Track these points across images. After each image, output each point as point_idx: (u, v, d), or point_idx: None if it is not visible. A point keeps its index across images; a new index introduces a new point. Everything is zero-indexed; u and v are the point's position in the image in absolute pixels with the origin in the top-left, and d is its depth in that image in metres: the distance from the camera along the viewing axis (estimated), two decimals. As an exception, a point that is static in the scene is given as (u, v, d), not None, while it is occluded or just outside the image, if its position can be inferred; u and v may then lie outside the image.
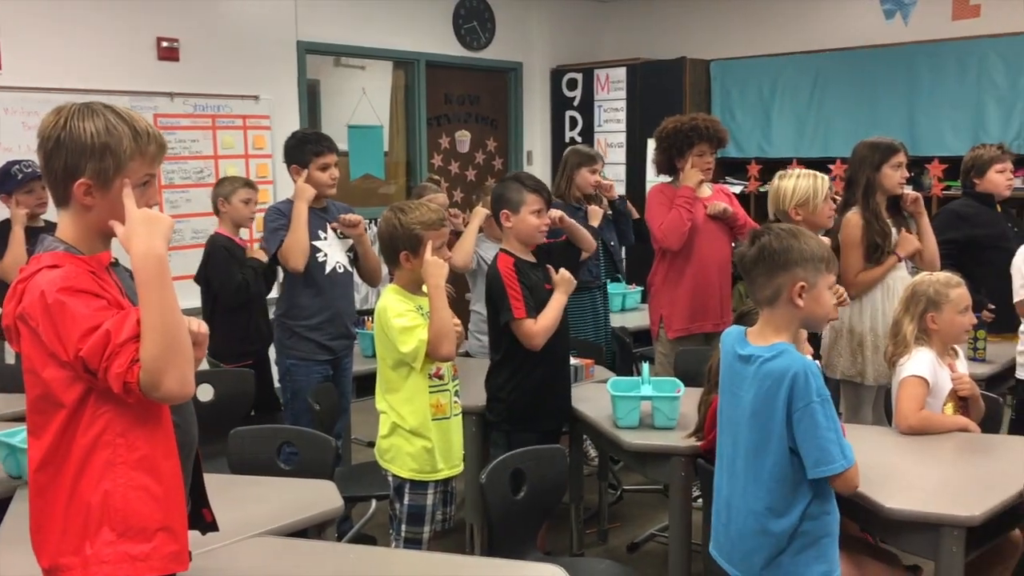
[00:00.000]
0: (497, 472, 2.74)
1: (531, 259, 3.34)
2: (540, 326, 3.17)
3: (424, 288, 3.00)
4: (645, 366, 3.29)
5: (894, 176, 3.90)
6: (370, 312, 4.26)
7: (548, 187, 3.44)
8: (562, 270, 3.27)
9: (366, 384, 3.90)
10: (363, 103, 6.91)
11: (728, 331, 2.39)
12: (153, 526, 1.69)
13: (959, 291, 3.13)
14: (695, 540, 3.13)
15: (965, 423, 3.05)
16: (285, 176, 4.01)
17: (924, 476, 2.71)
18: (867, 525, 2.74)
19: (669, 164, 4.10)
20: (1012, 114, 5.91)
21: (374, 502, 3.53)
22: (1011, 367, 3.92)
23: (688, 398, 3.13)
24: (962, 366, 3.23)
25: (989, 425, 3.18)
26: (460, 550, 3.66)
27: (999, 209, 4.45)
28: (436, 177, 5.71)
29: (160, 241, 1.63)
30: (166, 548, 1.70)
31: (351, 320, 4.00)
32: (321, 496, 2.61)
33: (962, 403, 3.12)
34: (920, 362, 3.06)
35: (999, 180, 4.39)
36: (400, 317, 2.85)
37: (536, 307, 3.22)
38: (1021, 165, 5.81)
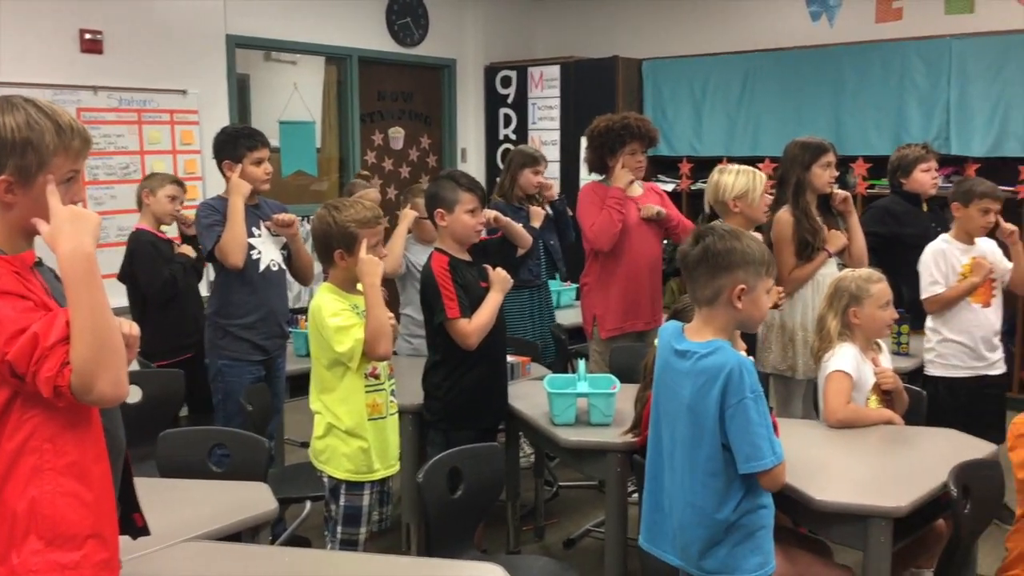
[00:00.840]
0: (434, 471, 2.73)
1: (466, 258, 3.33)
2: (474, 325, 3.16)
3: (359, 287, 2.98)
4: (581, 363, 3.31)
5: (823, 175, 4.00)
6: (303, 311, 4.20)
7: (483, 185, 3.43)
8: (498, 269, 3.27)
9: (299, 384, 3.85)
10: (295, 99, 6.82)
11: (665, 326, 2.42)
12: (83, 533, 1.64)
13: (880, 286, 3.22)
14: (631, 535, 3.15)
15: (889, 416, 3.13)
16: (214, 172, 3.93)
17: (852, 468, 2.78)
18: (798, 517, 2.80)
19: (601, 162, 4.13)
20: (932, 115, 6.08)
21: (308, 503, 3.48)
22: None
23: (624, 394, 3.15)
24: (886, 360, 3.32)
25: (913, 417, 3.27)
26: (396, 550, 3.63)
27: (925, 208, 4.58)
28: (366, 173, 5.65)
29: (88, 239, 1.58)
30: (96, 556, 1.65)
31: (285, 319, 3.94)
32: (254, 498, 2.57)
33: (886, 396, 3.21)
34: (843, 357, 3.14)
35: (924, 179, 4.53)
36: (335, 316, 2.82)
37: (472, 306, 3.21)
38: (943, 164, 6.00)
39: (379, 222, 2.92)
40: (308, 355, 3.02)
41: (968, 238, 3.91)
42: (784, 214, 3.98)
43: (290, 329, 4.08)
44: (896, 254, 4.35)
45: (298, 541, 3.78)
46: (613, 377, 3.31)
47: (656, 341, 2.90)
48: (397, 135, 7.46)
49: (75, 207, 1.63)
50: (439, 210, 3.30)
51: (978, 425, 3.38)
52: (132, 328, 1.70)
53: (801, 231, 3.89)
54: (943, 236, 3.98)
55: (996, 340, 3.93)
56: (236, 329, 3.74)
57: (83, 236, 1.57)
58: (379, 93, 7.30)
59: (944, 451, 2.88)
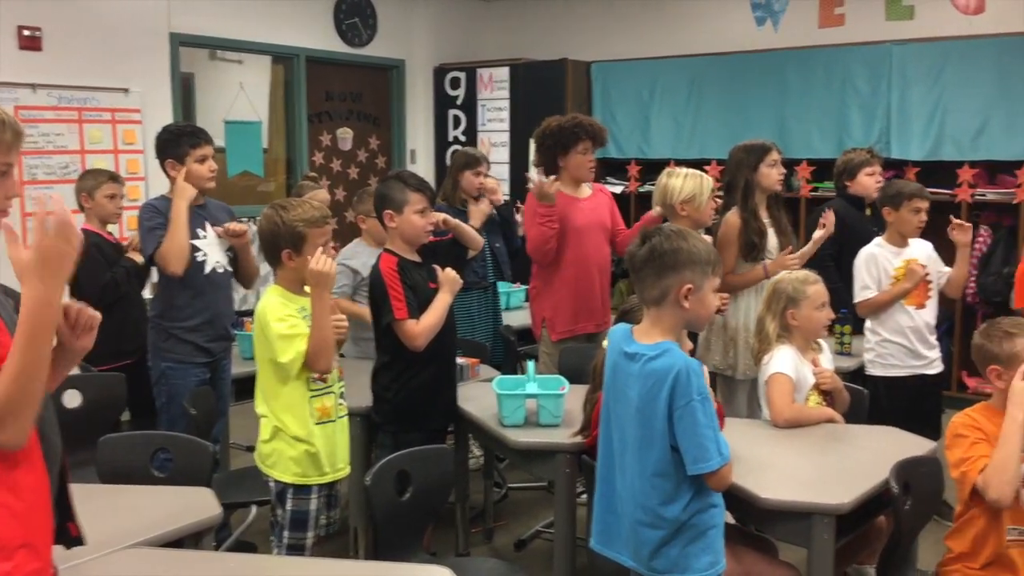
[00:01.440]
0: (382, 474, 2.70)
1: (416, 259, 3.32)
2: (422, 327, 3.14)
3: (307, 289, 2.94)
4: (531, 364, 3.31)
5: (772, 174, 4.06)
6: (249, 313, 4.15)
7: (432, 186, 3.42)
8: (448, 269, 3.26)
9: (245, 387, 3.79)
10: (241, 98, 6.74)
11: (614, 329, 2.43)
12: (13, 543, 1.59)
13: (816, 288, 3.27)
14: (580, 535, 3.16)
15: (831, 414, 3.19)
16: (157, 172, 3.86)
17: (796, 467, 2.82)
18: (744, 515, 2.84)
19: (552, 163, 4.12)
20: (873, 119, 6.20)
21: (254, 508, 3.44)
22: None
23: (573, 395, 3.16)
24: (827, 360, 3.37)
25: (855, 416, 3.33)
26: (344, 554, 3.60)
27: (869, 212, 4.67)
28: (313, 175, 5.61)
29: (57, 286, 1.56)
30: (28, 566, 1.61)
31: (230, 321, 3.89)
32: (198, 503, 2.53)
33: (826, 396, 3.26)
34: (781, 360, 3.19)
35: (869, 183, 4.62)
36: (280, 322, 2.78)
37: (420, 307, 3.19)
38: (884, 167, 6.12)
39: (327, 222, 2.89)
40: (253, 358, 2.98)
41: (901, 240, 3.98)
42: (732, 216, 4.03)
43: (236, 331, 4.03)
44: (841, 256, 4.43)
45: (243, 546, 3.72)
46: (562, 378, 3.31)
47: (605, 343, 2.93)
48: (345, 136, 7.40)
49: (54, 246, 1.56)
50: (388, 211, 3.28)
51: (917, 423, 3.45)
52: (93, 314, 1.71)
53: (748, 233, 3.95)
54: (876, 240, 4.04)
55: (933, 339, 4.01)
56: (180, 332, 3.67)
57: (54, 282, 1.55)
58: (327, 93, 7.24)
59: (885, 449, 2.93)
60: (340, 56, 7.18)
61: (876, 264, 3.94)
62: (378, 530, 2.69)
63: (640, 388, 2.21)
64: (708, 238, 3.54)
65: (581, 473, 3.02)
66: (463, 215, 4.64)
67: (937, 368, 4.01)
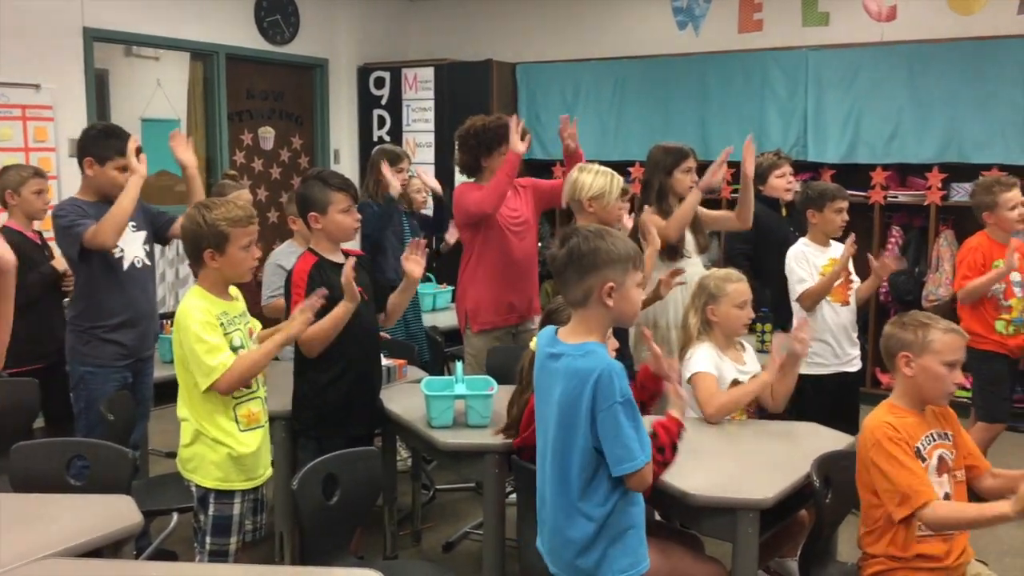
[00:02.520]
0: (309, 478, 2.66)
1: (338, 259, 3.27)
2: (310, 334, 3.04)
3: (230, 290, 2.89)
4: (459, 365, 3.30)
5: (684, 180, 4.14)
6: (170, 316, 4.04)
7: (355, 184, 3.38)
8: (348, 278, 3.11)
9: (165, 392, 3.70)
10: (158, 95, 6.58)
11: (542, 332, 2.43)
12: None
13: (737, 286, 3.34)
14: (509, 536, 3.16)
15: (760, 382, 3.22)
16: (70, 171, 3.74)
17: (720, 462, 2.86)
18: (669, 511, 2.87)
19: (475, 163, 4.11)
20: (791, 122, 6.35)
21: (175, 515, 3.34)
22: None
23: (501, 396, 3.16)
24: (751, 359, 3.44)
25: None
26: (269, 559, 3.54)
27: (784, 212, 4.78)
28: (233, 173, 5.48)
29: None
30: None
31: (153, 319, 3.78)
32: (117, 512, 2.45)
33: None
34: (701, 358, 3.25)
35: (779, 184, 4.74)
36: (203, 331, 2.72)
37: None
38: (800, 170, 6.27)
39: (252, 222, 2.83)
40: (174, 361, 2.90)
41: (825, 240, 4.10)
42: (648, 216, 4.08)
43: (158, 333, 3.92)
44: (758, 257, 4.53)
45: (164, 555, 3.64)
46: (490, 379, 3.31)
47: (533, 344, 2.93)
48: (267, 135, 7.28)
49: None
50: (312, 213, 3.24)
51: (837, 419, 3.55)
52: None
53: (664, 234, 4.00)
54: (802, 240, 4.16)
55: (855, 337, 4.13)
56: (101, 332, 3.55)
57: None
58: (248, 92, 7.11)
59: (806, 444, 3.01)
60: (261, 54, 7.06)
61: (807, 260, 4.05)
62: (305, 535, 2.64)
63: (563, 387, 2.22)
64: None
65: (511, 473, 3.01)
66: (388, 212, 4.63)
67: (856, 366, 4.14)
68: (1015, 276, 4.14)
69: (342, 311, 3.10)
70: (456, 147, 4.16)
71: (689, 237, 4.15)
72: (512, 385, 3.07)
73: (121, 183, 3.52)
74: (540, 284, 4.49)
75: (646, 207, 4.06)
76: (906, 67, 5.95)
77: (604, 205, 3.85)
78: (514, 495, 3.17)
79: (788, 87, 6.35)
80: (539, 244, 4.35)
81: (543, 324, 2.92)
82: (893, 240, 6.16)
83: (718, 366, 3.25)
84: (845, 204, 4.07)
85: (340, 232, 3.25)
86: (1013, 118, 5.64)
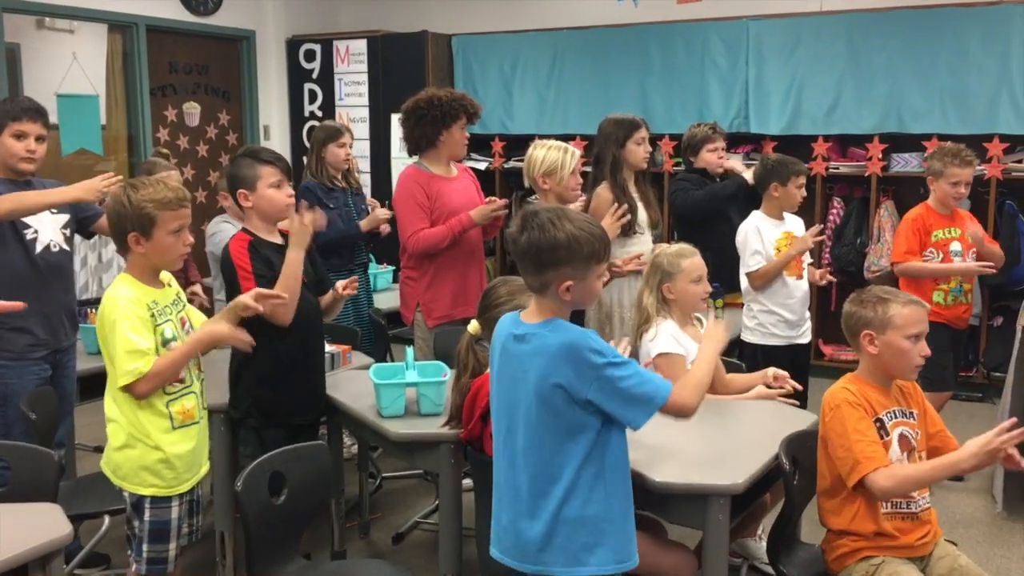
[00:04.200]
0: (253, 477, 2.48)
1: (276, 240, 3.08)
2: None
3: (162, 276, 2.68)
4: (409, 351, 3.13)
5: (638, 151, 4.04)
6: (94, 303, 3.80)
7: (288, 162, 3.19)
8: (295, 220, 3.01)
9: (91, 385, 3.49)
10: (74, 70, 6.20)
11: (505, 317, 2.28)
12: None
13: (691, 261, 3.25)
14: (466, 526, 3.03)
15: (713, 346, 3.12)
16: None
17: (685, 447, 2.75)
18: (637, 499, 2.76)
19: (428, 138, 3.91)
20: (732, 94, 6.28)
21: (107, 518, 3.11)
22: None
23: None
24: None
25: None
26: (210, 561, 3.35)
27: (719, 182, 4.72)
28: (165, 151, 5.21)
29: None
30: None
31: (72, 308, 3.52)
32: (43, 522, 2.25)
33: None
34: (663, 338, 3.15)
35: (711, 158, 4.68)
36: (131, 330, 2.50)
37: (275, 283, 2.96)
38: (742, 142, 6.24)
39: (183, 204, 2.60)
40: (100, 353, 2.68)
41: (779, 213, 4.05)
42: (604, 190, 3.98)
43: (80, 323, 3.67)
44: (692, 228, 4.44)
45: (97, 559, 3.42)
46: (442, 364, 3.15)
47: (470, 327, 2.79)
48: (192, 111, 6.95)
49: None
50: (241, 191, 3.05)
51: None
52: None
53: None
54: (756, 214, 4.10)
55: (806, 311, 4.10)
56: (14, 321, 3.29)
57: None
58: (171, 65, 6.77)
59: (769, 424, 2.94)
60: (184, 25, 6.72)
61: (760, 236, 3.99)
62: (250, 537, 2.46)
63: (535, 367, 2.08)
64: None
65: (467, 462, 2.87)
66: (333, 194, 4.43)
67: (807, 338, 4.15)
68: (955, 246, 4.14)
69: (292, 259, 2.96)
70: (402, 120, 3.95)
71: (642, 213, 4.04)
72: (466, 370, 2.92)
73: (16, 151, 3.27)
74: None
75: (602, 184, 3.96)
76: (846, 37, 5.92)
77: (558, 181, 3.73)
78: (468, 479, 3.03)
79: (729, 58, 6.28)
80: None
81: (480, 317, 2.78)
82: (835, 211, 6.16)
83: (680, 344, 3.15)
84: (804, 178, 4.04)
85: (272, 208, 3.05)
86: (952, 88, 5.66)
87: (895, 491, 2.48)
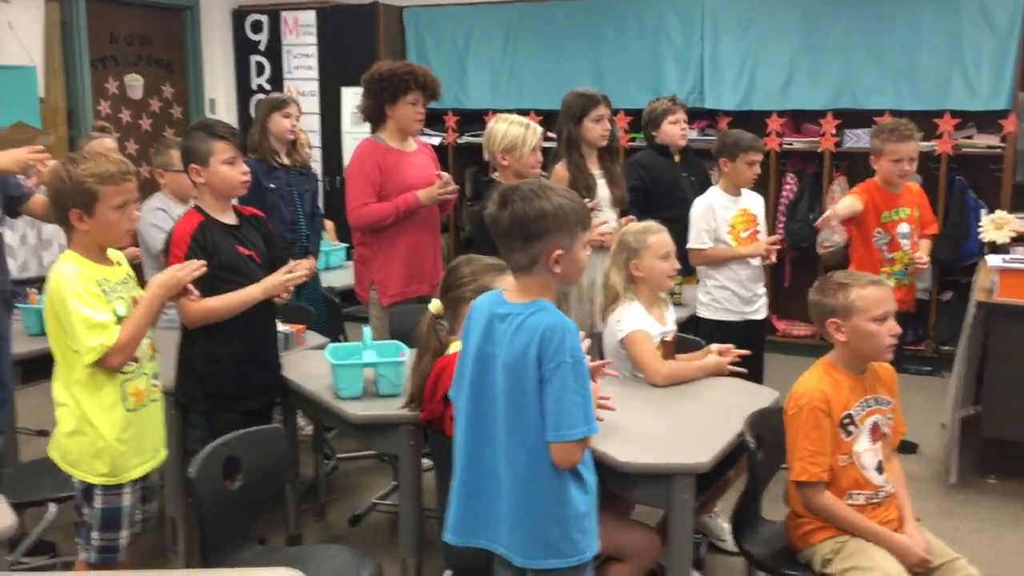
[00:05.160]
0: (208, 463, 2.40)
1: (229, 220, 2.99)
2: (197, 306, 2.80)
3: (112, 254, 2.57)
4: (366, 330, 3.06)
5: (595, 128, 3.99)
6: (33, 282, 3.66)
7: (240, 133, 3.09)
8: (278, 272, 2.97)
9: (32, 369, 3.37)
10: (10, 40, 5.95)
11: (485, 295, 2.21)
12: None
13: (658, 237, 3.21)
14: (426, 507, 2.98)
15: (714, 365, 3.13)
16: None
17: (649, 426, 2.73)
18: (600, 478, 2.73)
19: (379, 110, 3.83)
20: (687, 69, 6.25)
21: (52, 506, 2.99)
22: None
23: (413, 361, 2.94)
24: (671, 314, 3.32)
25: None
26: (161, 550, 3.26)
27: (677, 159, 4.69)
28: (106, 124, 5.01)
29: None
30: None
31: (6, 288, 3.38)
32: (-16, 513, 2.14)
33: (667, 347, 3.21)
34: (632, 317, 3.11)
35: (673, 131, 4.64)
36: (85, 305, 2.39)
37: (224, 273, 2.87)
38: (697, 117, 6.21)
39: (126, 178, 2.48)
40: (43, 334, 2.56)
41: (735, 190, 4.03)
42: (560, 168, 3.94)
43: (17, 304, 3.53)
44: (653, 202, 4.41)
45: (43, 547, 3.30)
46: (400, 344, 3.08)
47: (432, 307, 2.72)
48: (135, 83, 6.74)
49: None
50: (193, 166, 2.94)
51: (743, 365, 3.47)
52: None
53: (576, 187, 3.82)
54: (712, 189, 4.08)
55: (761, 287, 4.10)
56: None
57: None
58: (112, 36, 6.55)
59: (730, 401, 2.93)
60: (125, -6, 6.51)
61: (713, 215, 3.97)
62: (205, 525, 2.38)
63: (510, 347, 2.02)
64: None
65: (427, 444, 2.81)
66: (274, 173, 4.29)
67: (762, 314, 4.14)
68: (902, 228, 4.15)
69: (247, 295, 2.90)
70: (363, 93, 3.86)
71: (605, 190, 3.99)
72: (425, 350, 2.84)
73: None
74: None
75: (560, 161, 3.91)
76: (799, 13, 5.91)
77: (518, 157, 3.67)
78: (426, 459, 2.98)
79: (684, 33, 6.24)
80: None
81: (443, 297, 2.71)
82: (788, 187, 6.18)
83: (647, 323, 3.11)
84: (759, 157, 4.01)
85: (225, 186, 2.95)
86: (904, 64, 5.68)
87: (818, 512, 2.54)
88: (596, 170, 4.01)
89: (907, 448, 4.24)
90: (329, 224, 5.26)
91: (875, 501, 2.56)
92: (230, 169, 2.95)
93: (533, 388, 2.00)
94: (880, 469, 2.58)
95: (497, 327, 2.08)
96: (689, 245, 4.00)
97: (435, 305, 2.73)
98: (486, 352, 2.11)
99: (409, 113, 3.83)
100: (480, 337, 2.12)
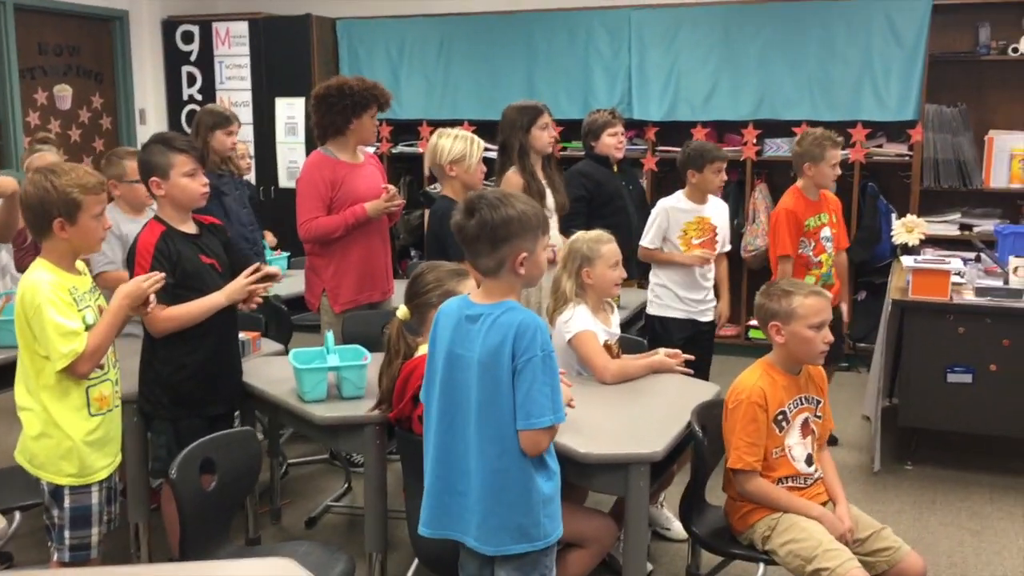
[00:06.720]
0: (187, 464, 2.48)
1: (189, 229, 3.06)
2: (166, 313, 2.90)
3: (79, 265, 2.64)
4: (329, 335, 3.16)
5: (543, 136, 4.19)
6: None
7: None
8: (239, 278, 3.04)
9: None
10: (-65, 49, 5.86)
11: (453, 299, 2.35)
12: None
13: (609, 247, 3.39)
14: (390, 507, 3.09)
15: (658, 363, 3.32)
16: None
17: (603, 420, 2.89)
18: (560, 470, 2.88)
19: (342, 124, 3.88)
20: (616, 81, 6.48)
21: (17, 514, 3.00)
22: (642, 310, 4.38)
23: (374, 365, 3.05)
24: (616, 320, 3.50)
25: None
26: (125, 554, 3.30)
27: (616, 169, 4.89)
28: (49, 136, 4.98)
29: None
30: None
31: None
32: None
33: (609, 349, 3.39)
34: (580, 319, 3.28)
35: (611, 143, 4.83)
36: (59, 313, 2.49)
37: (188, 282, 2.95)
38: (625, 128, 6.43)
39: (103, 188, 2.62)
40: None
41: (702, 198, 4.23)
42: (514, 175, 4.10)
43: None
44: (593, 211, 4.61)
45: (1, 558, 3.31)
46: (362, 348, 3.19)
47: (399, 312, 2.85)
48: (64, 94, 6.66)
49: None
50: (153, 179, 3.01)
51: (689, 365, 3.68)
52: None
53: (530, 193, 4.00)
54: (678, 194, 4.25)
55: (706, 293, 4.28)
56: None
57: None
58: (40, 46, 6.47)
59: (676, 395, 3.11)
60: (52, 4, 6.43)
61: (668, 218, 4.17)
62: (185, 526, 2.46)
63: (483, 345, 2.17)
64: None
65: (391, 442, 2.93)
66: (223, 179, 4.36)
67: (709, 316, 4.31)
68: (825, 232, 4.41)
69: (212, 303, 2.97)
70: (314, 106, 3.93)
71: (550, 198, 4.17)
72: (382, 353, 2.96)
73: None
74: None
75: (511, 168, 4.07)
76: (722, 27, 6.19)
77: (466, 168, 3.81)
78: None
79: (612, 46, 6.46)
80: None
81: (409, 303, 2.85)
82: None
83: (594, 326, 3.29)
84: (723, 164, 4.21)
85: (185, 198, 3.03)
86: (819, 77, 6.01)
87: (751, 496, 2.77)
88: (542, 179, 4.19)
89: (829, 441, 4.49)
90: (268, 234, 5.32)
91: (802, 486, 2.81)
92: (191, 181, 3.02)
93: (507, 381, 2.15)
94: (809, 461, 2.84)
95: (468, 328, 2.22)
96: (641, 241, 4.22)
97: (402, 311, 2.85)
98: (456, 353, 2.25)
99: (370, 126, 3.95)
100: (449, 339, 2.26)
